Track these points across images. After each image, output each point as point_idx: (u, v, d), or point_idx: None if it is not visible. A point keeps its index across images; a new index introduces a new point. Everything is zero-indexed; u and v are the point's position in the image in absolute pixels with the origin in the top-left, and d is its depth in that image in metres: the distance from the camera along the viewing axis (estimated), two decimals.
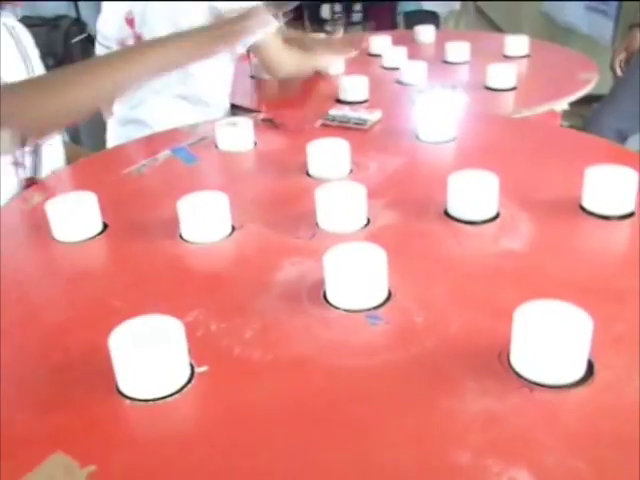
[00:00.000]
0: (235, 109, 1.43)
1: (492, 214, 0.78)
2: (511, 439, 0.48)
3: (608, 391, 0.52)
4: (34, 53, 1.07)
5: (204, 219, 0.76)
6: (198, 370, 0.55)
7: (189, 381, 0.54)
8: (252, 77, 1.59)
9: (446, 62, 1.63)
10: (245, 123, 1.03)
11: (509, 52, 1.65)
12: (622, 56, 2.09)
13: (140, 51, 0.94)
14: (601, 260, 0.70)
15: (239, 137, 1.02)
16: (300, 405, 0.52)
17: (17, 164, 0.99)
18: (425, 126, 1.02)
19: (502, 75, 1.37)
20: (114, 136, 1.47)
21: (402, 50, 1.60)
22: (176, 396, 0.52)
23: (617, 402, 0.51)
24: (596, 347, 0.53)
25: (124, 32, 1.36)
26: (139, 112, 1.40)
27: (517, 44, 1.65)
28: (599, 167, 0.79)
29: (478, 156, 0.96)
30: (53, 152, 1.06)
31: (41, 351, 0.59)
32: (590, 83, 1.40)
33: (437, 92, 1.02)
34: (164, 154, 1.00)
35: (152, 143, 1.07)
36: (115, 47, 1.35)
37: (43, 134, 0.93)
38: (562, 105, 1.31)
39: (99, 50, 1.43)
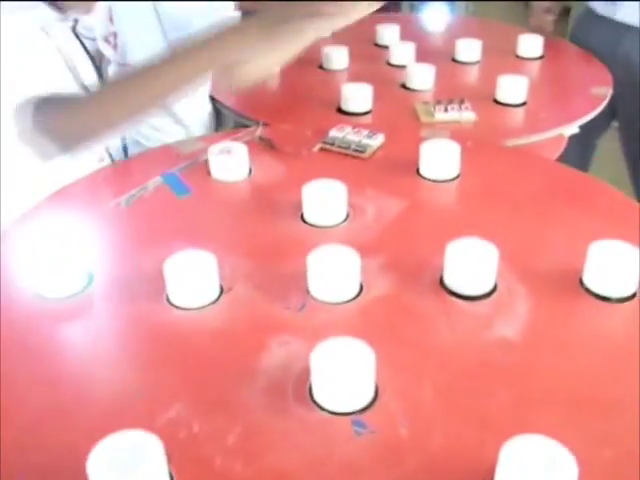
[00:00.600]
0: (225, 110, 1.38)
1: (489, 288, 0.76)
2: None
3: None
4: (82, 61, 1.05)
5: (191, 283, 0.73)
6: None
7: None
8: None
9: (455, 61, 1.57)
10: (240, 150, 0.99)
11: (522, 53, 1.59)
12: None
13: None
14: (598, 360, 0.68)
15: (234, 165, 0.98)
16: None
17: (102, 160, 1.02)
18: (427, 163, 0.98)
19: (512, 90, 1.32)
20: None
21: (410, 46, 1.54)
22: None
23: None
24: (582, 478, 0.52)
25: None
26: None
27: (531, 44, 1.58)
28: (602, 243, 0.76)
29: (479, 206, 0.92)
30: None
31: (18, 446, 0.58)
32: (604, 100, 1.35)
33: (440, 140, 0.96)
34: (154, 181, 0.96)
35: (142, 165, 1.03)
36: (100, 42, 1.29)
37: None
38: (572, 129, 1.26)
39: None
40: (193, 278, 0.73)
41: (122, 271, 0.79)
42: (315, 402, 0.61)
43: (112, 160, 1.11)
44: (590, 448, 0.57)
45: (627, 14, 1.64)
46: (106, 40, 1.29)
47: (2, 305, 0.74)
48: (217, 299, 0.75)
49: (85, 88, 1.01)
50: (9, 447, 0.58)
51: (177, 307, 0.73)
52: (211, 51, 0.83)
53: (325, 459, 0.57)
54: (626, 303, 0.75)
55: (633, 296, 0.75)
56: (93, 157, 1.01)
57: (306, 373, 0.63)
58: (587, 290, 0.76)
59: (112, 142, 1.03)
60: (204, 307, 0.73)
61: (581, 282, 0.77)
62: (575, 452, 0.52)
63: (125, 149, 1.15)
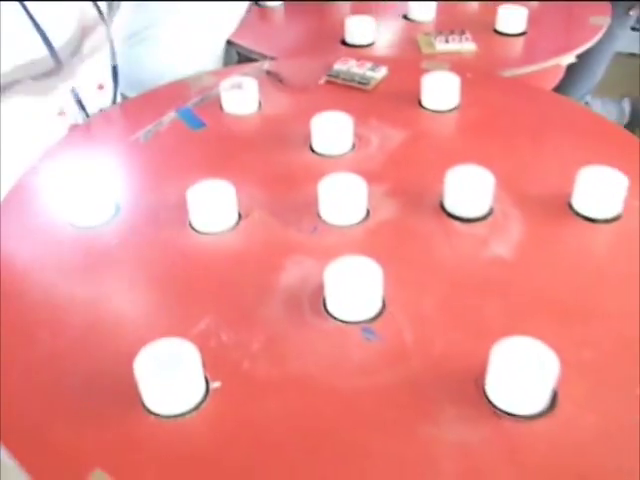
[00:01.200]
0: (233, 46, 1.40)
1: (485, 211, 0.83)
2: (477, 470, 0.56)
3: (567, 424, 0.60)
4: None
5: (212, 210, 0.80)
6: (212, 386, 0.62)
7: (205, 397, 0.61)
8: (255, 3, 1.54)
9: None
10: (250, 84, 1.03)
11: None
12: None
13: None
14: (582, 275, 0.75)
15: (244, 99, 1.03)
16: (301, 427, 0.60)
17: (62, 114, 1.02)
18: (428, 95, 1.03)
19: (512, 20, 1.34)
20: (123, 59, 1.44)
21: None
22: (193, 413, 0.60)
23: (575, 436, 0.59)
24: (563, 375, 0.60)
25: None
26: (155, 31, 1.36)
27: None
28: (590, 169, 0.82)
29: (477, 136, 0.98)
30: (101, 97, 1.09)
31: (70, 358, 0.65)
32: (601, 29, 1.38)
33: (440, 72, 1.01)
34: (169, 117, 1.01)
35: (155, 100, 1.08)
36: None
37: None
38: (569, 59, 1.30)
39: None
40: (214, 206, 0.79)
41: (147, 201, 0.85)
42: (329, 313, 0.69)
43: (85, 111, 1.09)
44: (571, 349, 0.65)
45: None
46: None
47: (38, 234, 0.81)
48: (236, 224, 0.81)
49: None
50: (62, 356, 0.66)
51: (200, 232, 0.80)
52: None
53: (339, 362, 0.65)
54: (611, 224, 0.81)
55: (617, 218, 0.82)
56: (51, 111, 1.01)
57: (320, 288, 0.70)
58: (575, 212, 0.82)
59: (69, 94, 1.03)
60: (224, 232, 0.80)
61: (570, 205, 0.83)
62: (557, 352, 0.60)
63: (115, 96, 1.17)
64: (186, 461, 0.58)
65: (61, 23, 1.01)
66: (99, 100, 1.08)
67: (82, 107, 1.04)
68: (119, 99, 1.14)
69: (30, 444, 0.59)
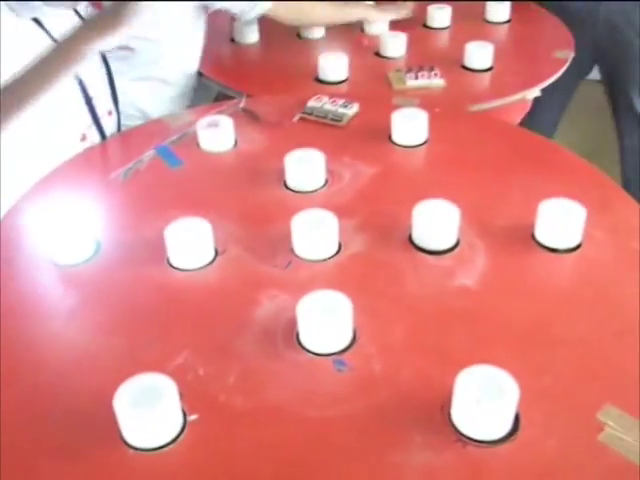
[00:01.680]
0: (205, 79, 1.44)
1: (452, 244, 0.86)
2: None
3: (529, 448, 0.63)
4: None
5: (189, 247, 0.83)
6: (190, 419, 0.65)
7: (182, 430, 0.64)
8: (232, 41, 1.59)
9: (427, 27, 1.64)
10: (226, 123, 1.07)
11: (490, 17, 1.67)
12: None
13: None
14: (544, 303, 0.79)
15: (221, 137, 1.07)
16: (276, 457, 0.62)
17: (84, 139, 1.08)
18: (398, 131, 1.07)
19: (479, 56, 1.40)
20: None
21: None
22: (172, 446, 0.63)
23: (536, 459, 0.62)
24: (524, 401, 0.64)
25: None
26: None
27: (498, 9, 1.66)
28: (551, 201, 0.86)
29: (444, 169, 1.02)
30: (110, 122, 1.15)
31: (52, 394, 0.68)
32: (565, 63, 1.44)
33: (409, 109, 1.06)
34: (148, 155, 1.05)
35: (135, 138, 1.11)
36: None
37: None
38: (534, 93, 1.35)
39: None
40: (191, 243, 0.83)
41: (126, 239, 0.88)
42: (302, 345, 0.72)
43: (102, 135, 1.16)
44: (532, 376, 0.69)
45: None
46: None
47: (22, 273, 0.84)
48: (212, 260, 0.84)
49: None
50: (44, 393, 0.68)
51: (177, 269, 0.83)
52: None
53: (312, 393, 0.68)
54: (572, 253, 0.85)
55: (578, 247, 0.86)
56: (74, 136, 1.07)
57: (293, 322, 0.73)
58: (538, 243, 0.86)
59: (86, 118, 1.09)
60: (201, 268, 0.83)
61: (533, 236, 0.87)
62: (519, 379, 0.63)
63: (119, 121, 1.22)
64: None
65: None
66: (109, 125, 1.13)
67: (101, 131, 1.09)
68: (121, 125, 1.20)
69: (13, 477, 0.61)
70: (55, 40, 0.98)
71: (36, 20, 1.00)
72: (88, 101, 1.06)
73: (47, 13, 1.00)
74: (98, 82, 1.08)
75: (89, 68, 1.05)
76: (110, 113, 1.13)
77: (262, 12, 1.45)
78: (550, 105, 1.80)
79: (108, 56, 1.34)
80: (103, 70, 1.15)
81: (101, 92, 1.09)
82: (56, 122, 1.03)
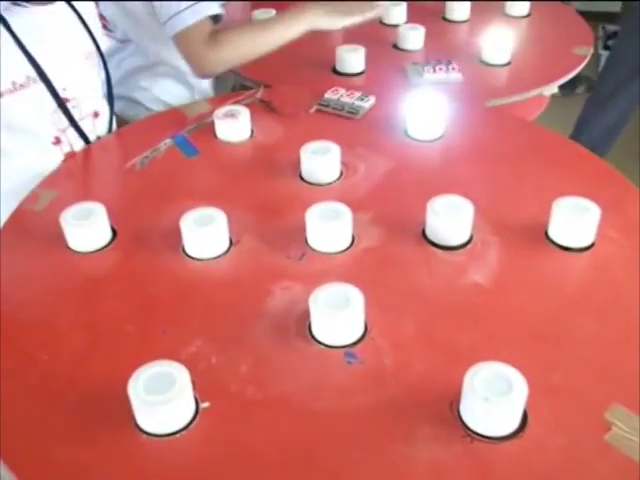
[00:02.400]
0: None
1: (465, 239, 0.87)
2: None
3: (536, 445, 0.63)
4: (96, 23, 1.14)
5: (204, 237, 0.84)
6: (202, 406, 0.66)
7: (195, 417, 0.65)
8: None
9: (446, 20, 1.63)
10: (243, 113, 1.08)
11: (509, 11, 1.65)
12: None
13: None
14: (555, 301, 0.79)
15: (237, 128, 1.07)
16: (284, 447, 0.63)
17: (58, 142, 1.07)
18: (413, 123, 1.08)
19: (497, 51, 1.39)
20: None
21: (402, 7, 1.60)
22: (183, 432, 0.64)
23: (543, 456, 0.62)
24: (533, 398, 0.64)
25: None
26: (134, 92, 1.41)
27: (518, 3, 1.64)
28: (565, 199, 0.86)
29: (459, 165, 1.02)
30: (99, 124, 1.14)
31: (68, 380, 0.69)
32: (584, 60, 1.43)
33: (427, 91, 1.06)
34: (165, 143, 1.06)
35: (153, 128, 1.12)
36: None
37: None
38: (552, 89, 1.34)
39: None
40: (206, 233, 0.83)
41: (142, 228, 0.89)
42: (313, 337, 0.73)
43: (84, 138, 1.12)
44: (541, 373, 0.69)
45: None
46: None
47: (39, 260, 0.85)
48: (227, 250, 0.85)
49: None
50: (60, 377, 0.70)
51: (192, 258, 0.84)
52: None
53: (322, 384, 0.69)
54: (584, 253, 0.85)
55: (591, 247, 0.86)
56: (45, 140, 1.06)
57: (305, 313, 0.74)
58: (551, 241, 0.86)
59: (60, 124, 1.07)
60: (216, 258, 0.84)
61: (546, 234, 0.87)
62: (528, 376, 0.64)
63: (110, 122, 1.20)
64: (176, 477, 0.61)
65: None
66: (96, 128, 1.12)
67: (81, 133, 1.08)
68: (114, 127, 1.19)
69: (28, 461, 0.62)
70: (19, 40, 0.98)
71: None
72: (61, 105, 1.04)
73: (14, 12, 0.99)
74: (77, 85, 1.07)
75: (66, 72, 1.05)
76: (96, 115, 1.12)
77: None
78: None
79: (123, 58, 1.34)
80: (102, 73, 1.15)
81: (83, 95, 1.08)
82: (24, 128, 1.03)
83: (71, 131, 1.07)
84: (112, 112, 1.17)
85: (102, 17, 1.31)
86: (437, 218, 0.85)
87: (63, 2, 1.05)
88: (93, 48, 1.11)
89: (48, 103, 1.03)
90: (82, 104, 1.08)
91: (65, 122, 1.06)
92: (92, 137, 1.10)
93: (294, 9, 1.24)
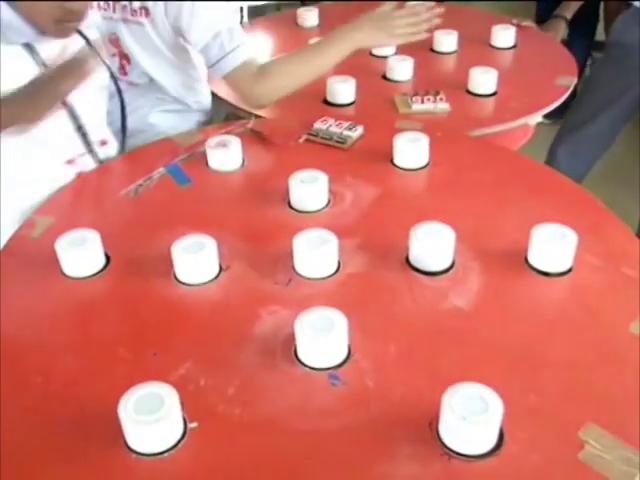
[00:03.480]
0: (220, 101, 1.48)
1: (447, 265, 0.90)
2: None
3: (513, 463, 0.66)
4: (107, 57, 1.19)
5: (195, 263, 0.87)
6: (190, 426, 0.68)
7: (183, 437, 0.67)
8: None
9: (434, 51, 1.68)
10: (234, 143, 1.11)
11: (495, 43, 1.71)
12: None
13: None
14: (533, 325, 0.82)
15: (229, 157, 1.11)
16: (269, 466, 0.66)
17: (70, 162, 1.12)
18: (399, 154, 1.11)
19: (483, 81, 1.44)
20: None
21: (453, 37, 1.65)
22: (172, 451, 0.66)
23: (519, 474, 0.65)
24: (510, 418, 0.67)
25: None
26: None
27: (503, 35, 1.70)
28: (543, 226, 0.89)
29: (443, 193, 1.06)
30: (105, 152, 1.18)
31: (60, 401, 0.72)
32: (567, 90, 1.47)
33: (411, 133, 1.10)
34: (158, 172, 1.09)
35: (147, 156, 1.16)
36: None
37: None
38: (536, 119, 1.39)
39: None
40: (197, 259, 0.86)
41: (135, 253, 0.93)
42: (299, 360, 0.76)
43: (98, 159, 1.17)
44: (518, 394, 0.72)
45: None
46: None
47: (34, 285, 0.88)
48: (217, 276, 0.88)
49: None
50: (53, 399, 0.72)
51: (183, 283, 0.87)
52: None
53: (306, 405, 0.72)
54: (563, 277, 0.88)
55: (569, 271, 0.89)
56: (59, 160, 1.11)
57: (292, 336, 0.76)
58: (530, 267, 0.90)
59: (75, 144, 1.12)
60: (206, 283, 0.87)
61: (526, 260, 0.90)
62: (505, 397, 0.66)
63: (123, 143, 1.24)
64: None
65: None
66: (103, 156, 1.17)
67: (97, 160, 1.14)
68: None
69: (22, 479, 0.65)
70: (45, 64, 1.03)
71: (27, 45, 1.03)
72: (79, 129, 1.10)
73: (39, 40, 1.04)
74: (90, 113, 1.12)
75: (84, 99, 1.09)
76: (104, 143, 1.17)
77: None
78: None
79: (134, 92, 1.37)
80: (118, 103, 1.19)
81: (93, 122, 1.13)
82: (44, 147, 1.07)
83: (84, 158, 1.12)
84: (124, 141, 1.22)
85: (123, 56, 1.37)
86: (420, 244, 0.88)
87: (78, 35, 1.09)
88: (108, 81, 1.16)
89: (68, 127, 1.09)
90: (91, 132, 1.13)
91: (81, 148, 1.11)
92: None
93: (342, 29, 1.26)
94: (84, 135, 1.12)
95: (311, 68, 1.27)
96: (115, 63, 1.36)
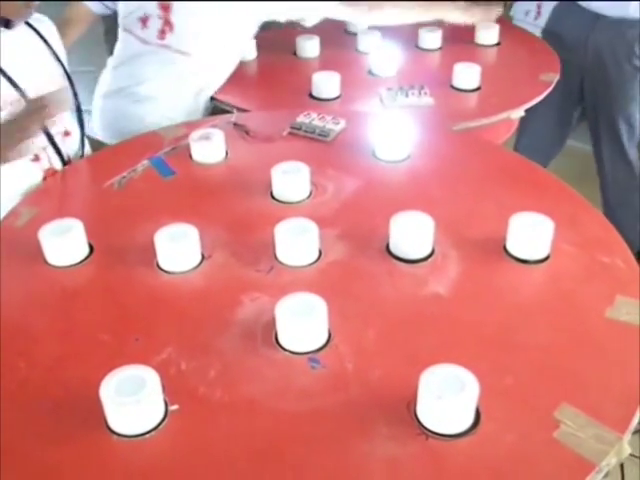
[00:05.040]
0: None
1: (426, 253, 0.91)
2: None
3: (488, 442, 0.67)
4: (61, 49, 1.20)
5: (177, 251, 0.88)
6: (171, 408, 0.69)
7: (164, 419, 0.68)
8: None
9: (419, 48, 1.70)
10: (218, 136, 1.12)
11: (479, 40, 1.72)
12: None
13: None
14: (511, 310, 0.83)
15: (212, 150, 1.12)
16: (249, 446, 0.67)
17: (37, 159, 1.12)
18: (381, 145, 1.13)
19: (467, 77, 1.45)
20: (100, 109, 1.54)
21: (376, 34, 1.67)
22: (153, 433, 0.67)
23: (494, 453, 0.66)
24: (486, 399, 0.68)
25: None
26: (145, 89, 1.46)
27: (487, 33, 1.72)
28: (521, 215, 0.91)
29: (423, 184, 1.07)
30: (68, 143, 1.18)
31: (43, 385, 0.72)
32: (549, 86, 1.49)
33: (395, 115, 1.12)
34: (142, 165, 1.10)
35: (131, 149, 1.17)
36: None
37: None
38: (519, 113, 1.40)
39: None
40: (179, 247, 0.87)
41: (118, 243, 0.93)
42: (279, 344, 0.77)
43: (60, 156, 1.17)
44: (494, 376, 0.73)
45: (600, 5, 1.76)
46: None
47: (19, 274, 0.88)
48: (199, 264, 0.89)
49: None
50: (36, 383, 0.73)
51: (166, 272, 0.88)
52: None
53: (287, 388, 0.73)
54: (541, 265, 0.90)
55: (546, 259, 0.90)
56: (25, 158, 1.10)
57: (273, 322, 0.77)
58: (509, 254, 0.91)
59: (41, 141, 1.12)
60: (188, 271, 0.88)
61: (504, 248, 0.92)
62: (482, 379, 0.67)
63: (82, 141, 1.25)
64: (145, 476, 0.64)
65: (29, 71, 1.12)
66: (66, 146, 1.17)
67: (59, 152, 1.14)
68: (87, 146, 1.24)
69: (3, 462, 0.65)
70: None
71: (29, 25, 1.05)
72: None
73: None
74: None
75: (38, 93, 1.07)
76: (67, 134, 1.18)
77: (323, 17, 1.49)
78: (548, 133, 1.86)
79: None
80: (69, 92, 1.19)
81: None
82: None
83: (50, 149, 1.11)
84: (83, 132, 1.22)
85: (167, 22, 1.41)
86: (399, 233, 0.90)
87: (26, 27, 1.10)
88: (60, 71, 1.16)
89: None
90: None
91: (44, 140, 1.11)
92: (64, 155, 1.15)
93: None
94: (45, 129, 1.10)
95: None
96: (156, 25, 1.41)
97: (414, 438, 0.67)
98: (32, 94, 1.07)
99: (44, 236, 0.88)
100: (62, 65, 1.17)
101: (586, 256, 0.91)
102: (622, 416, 0.69)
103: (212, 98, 1.48)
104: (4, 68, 1.04)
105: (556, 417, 0.69)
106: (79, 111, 1.21)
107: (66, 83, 1.18)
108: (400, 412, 0.69)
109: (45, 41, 1.14)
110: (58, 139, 1.15)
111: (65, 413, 0.69)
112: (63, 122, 1.17)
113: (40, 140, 1.10)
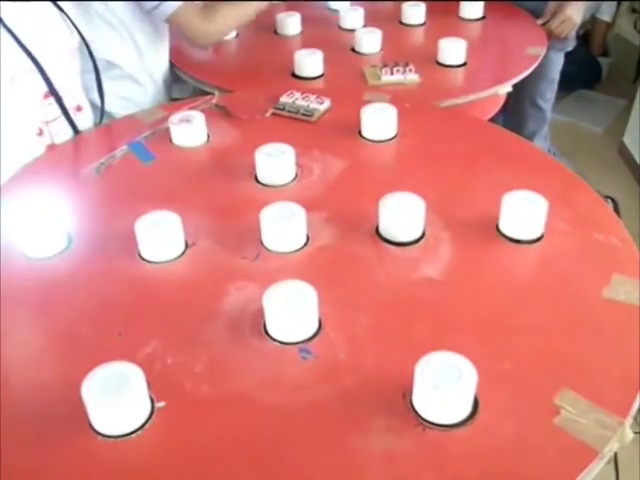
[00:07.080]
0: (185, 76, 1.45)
1: (418, 235, 0.88)
2: (402, 477, 0.61)
3: (487, 430, 0.65)
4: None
5: (160, 240, 0.84)
6: (157, 405, 0.66)
7: (150, 417, 0.65)
8: None
9: (402, 24, 1.66)
10: (198, 119, 1.08)
11: (464, 14, 1.69)
12: None
13: None
14: (506, 292, 0.81)
15: (193, 133, 1.08)
16: (240, 443, 0.64)
17: (41, 133, 1.08)
18: (367, 126, 1.09)
19: (452, 52, 1.42)
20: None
21: (359, 11, 1.63)
22: (139, 432, 0.64)
23: (494, 441, 0.64)
24: (484, 386, 0.66)
25: None
26: None
27: (472, 6, 1.68)
28: (513, 194, 0.88)
29: (412, 163, 1.04)
30: (82, 118, 1.15)
31: (20, 386, 0.69)
32: (537, 59, 1.46)
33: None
34: (121, 150, 1.06)
35: (109, 133, 1.12)
36: None
37: None
38: (506, 88, 1.37)
39: None
40: (161, 236, 0.84)
41: (98, 232, 0.90)
42: (268, 334, 0.74)
43: (74, 129, 1.15)
44: (492, 362, 0.71)
45: None
46: None
47: None
48: (183, 253, 0.86)
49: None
50: (17, 382, 0.69)
51: (148, 261, 0.84)
52: None
53: (277, 380, 0.70)
54: (534, 245, 0.88)
55: (540, 238, 0.88)
56: (29, 131, 1.08)
57: (261, 311, 0.74)
58: (502, 234, 0.88)
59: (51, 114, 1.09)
60: (172, 260, 0.85)
61: (497, 228, 0.89)
62: (479, 365, 0.65)
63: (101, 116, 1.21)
64: (134, 478, 0.61)
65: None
66: (79, 122, 1.13)
67: (74, 126, 1.11)
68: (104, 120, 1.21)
69: None
70: (12, 33, 1.00)
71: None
72: (54, 94, 1.06)
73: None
74: (62, 79, 1.08)
75: (54, 65, 1.06)
76: (79, 108, 1.14)
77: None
78: None
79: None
80: (90, 65, 1.17)
81: (67, 88, 1.09)
82: (10, 118, 1.03)
83: (56, 123, 1.08)
84: (103, 106, 1.19)
85: None
86: (389, 215, 0.87)
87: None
88: (77, 44, 1.12)
89: (38, 92, 1.04)
90: (65, 97, 1.09)
91: (54, 113, 1.07)
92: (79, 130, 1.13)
93: None
94: (59, 100, 1.07)
95: (243, 15, 1.37)
96: None
97: (411, 429, 0.64)
98: (47, 64, 1.04)
99: (20, 226, 0.84)
100: (80, 34, 1.13)
101: (580, 234, 0.89)
102: (623, 400, 0.67)
103: (189, 76, 1.43)
104: (19, 37, 1.00)
105: (556, 403, 0.67)
106: (98, 81, 1.18)
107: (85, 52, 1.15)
108: (396, 402, 0.67)
109: (61, 9, 1.09)
110: (70, 113, 1.11)
111: (47, 414, 0.66)
112: (76, 96, 1.13)
113: (48, 112, 1.06)
